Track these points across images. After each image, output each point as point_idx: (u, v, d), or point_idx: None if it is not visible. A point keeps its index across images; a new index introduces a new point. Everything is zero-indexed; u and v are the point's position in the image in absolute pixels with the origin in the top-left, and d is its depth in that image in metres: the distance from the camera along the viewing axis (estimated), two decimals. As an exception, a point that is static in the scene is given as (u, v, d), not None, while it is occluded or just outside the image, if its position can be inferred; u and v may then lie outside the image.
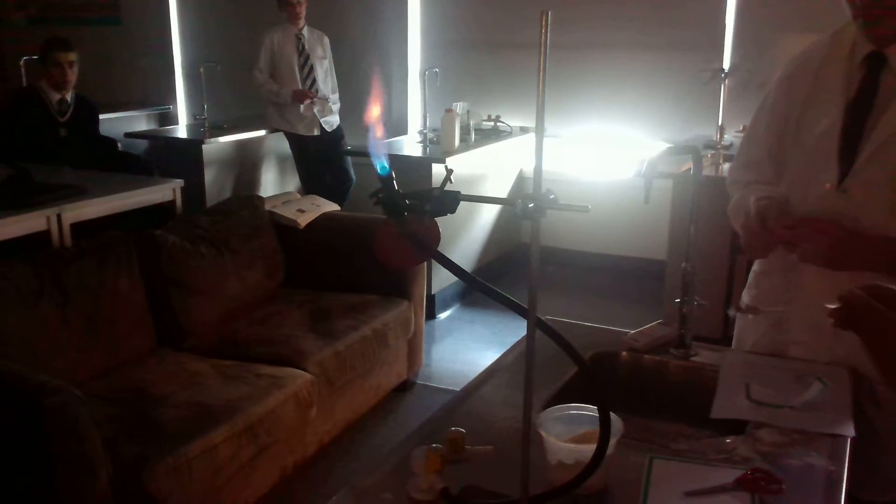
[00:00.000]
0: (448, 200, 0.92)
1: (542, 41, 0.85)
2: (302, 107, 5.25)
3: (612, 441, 1.15)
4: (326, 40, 5.44)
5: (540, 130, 0.91)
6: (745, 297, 1.83)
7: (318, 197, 4.09)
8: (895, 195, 1.51)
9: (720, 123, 4.50)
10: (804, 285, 1.64)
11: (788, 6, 4.58)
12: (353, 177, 5.52)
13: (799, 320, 1.68)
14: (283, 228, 3.71)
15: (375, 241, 1.00)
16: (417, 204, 0.93)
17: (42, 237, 3.17)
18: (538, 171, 0.92)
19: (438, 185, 0.96)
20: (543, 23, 0.85)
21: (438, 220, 0.98)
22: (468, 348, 4.31)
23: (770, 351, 1.73)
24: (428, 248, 0.95)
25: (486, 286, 0.93)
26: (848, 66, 1.59)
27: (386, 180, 0.90)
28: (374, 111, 0.88)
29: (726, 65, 4.83)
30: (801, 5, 4.31)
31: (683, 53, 4.94)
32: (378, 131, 0.88)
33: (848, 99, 1.57)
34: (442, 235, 1.04)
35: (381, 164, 0.88)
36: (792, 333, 1.70)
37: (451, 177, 1.06)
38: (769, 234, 1.57)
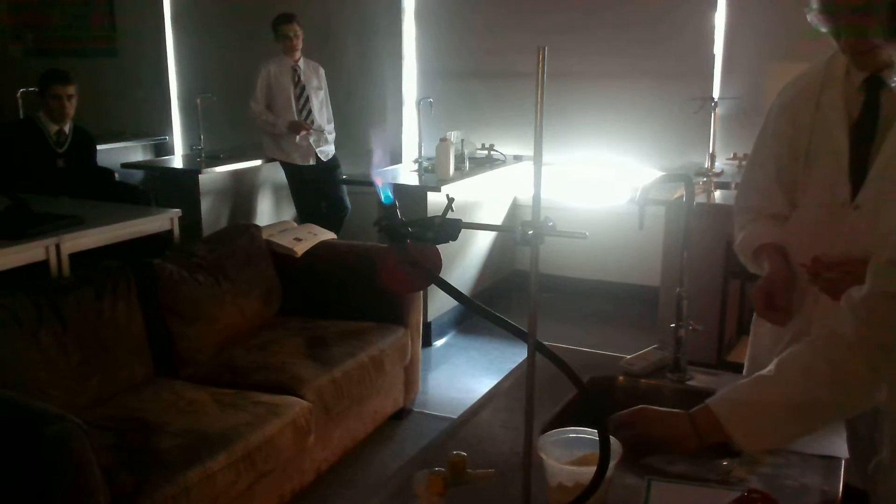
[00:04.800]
0: (450, 228, 0.95)
1: (539, 76, 0.89)
2: (298, 137, 5.30)
3: (611, 464, 1.17)
4: (322, 71, 5.51)
5: (538, 161, 0.94)
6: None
7: (314, 226, 4.11)
8: None
9: (711, 151, 4.55)
10: (823, 296, 1.67)
11: (775, 36, 4.66)
12: (349, 206, 5.55)
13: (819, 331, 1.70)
14: (280, 257, 3.73)
15: (378, 267, 1.02)
16: (419, 231, 0.95)
17: (41, 267, 3.19)
18: (537, 198, 0.95)
19: (436, 213, 0.99)
20: (540, 57, 0.88)
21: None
22: (464, 375, 4.32)
23: None
24: (432, 274, 0.98)
25: (488, 312, 0.95)
26: (846, 90, 1.68)
27: (389, 209, 0.93)
28: (380, 144, 0.91)
29: (716, 94, 4.90)
30: (787, 35, 4.39)
31: (675, 82, 5.02)
32: (382, 163, 0.91)
33: (851, 120, 1.66)
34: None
35: (385, 193, 0.90)
36: None
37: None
38: (777, 312, 1.70)
